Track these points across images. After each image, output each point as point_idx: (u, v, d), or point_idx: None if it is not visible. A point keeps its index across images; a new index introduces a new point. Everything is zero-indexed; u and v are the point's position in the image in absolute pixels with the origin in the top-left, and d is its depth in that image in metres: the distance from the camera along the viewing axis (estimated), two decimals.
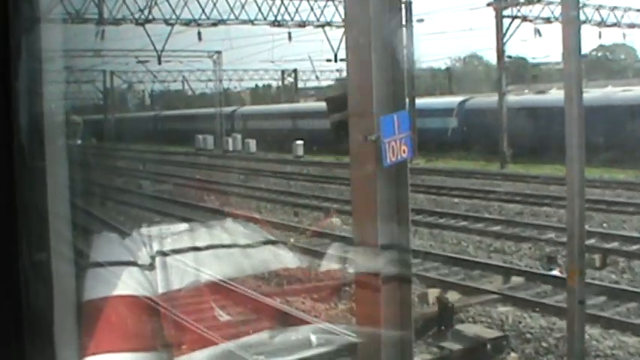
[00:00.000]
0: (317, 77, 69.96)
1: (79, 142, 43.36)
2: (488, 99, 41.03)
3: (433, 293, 11.08)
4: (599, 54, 68.84)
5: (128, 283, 5.27)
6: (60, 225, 1.78)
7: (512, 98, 32.78)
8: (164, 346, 5.96)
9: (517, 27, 28.84)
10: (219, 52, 43.62)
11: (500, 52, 28.76)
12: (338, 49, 33.77)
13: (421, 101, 45.38)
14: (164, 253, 3.59)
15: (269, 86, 78.17)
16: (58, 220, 1.77)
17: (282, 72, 67.84)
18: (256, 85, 74.03)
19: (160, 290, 5.59)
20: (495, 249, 14.35)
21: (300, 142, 38.37)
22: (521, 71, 69.57)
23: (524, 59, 71.14)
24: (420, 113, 41.28)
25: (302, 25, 31.65)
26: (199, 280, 5.42)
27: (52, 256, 1.68)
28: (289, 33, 31.88)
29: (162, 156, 42.61)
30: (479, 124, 37.18)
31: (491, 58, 72.38)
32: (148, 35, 30.68)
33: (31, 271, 1.55)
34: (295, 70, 67.91)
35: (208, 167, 33.89)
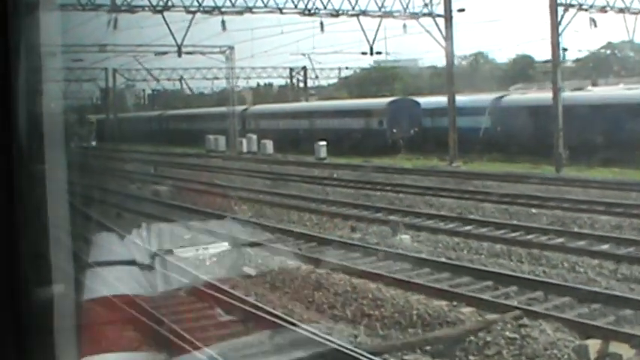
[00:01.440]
0: (317, 76, 67.69)
1: (94, 143, 40.17)
2: (525, 96, 38.30)
3: (593, 346, 8.22)
4: (608, 51, 66.72)
5: (127, 284, 8.89)
6: (59, 225, 1.78)
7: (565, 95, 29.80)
8: (163, 346, 7.38)
9: (573, 17, 25.92)
10: (231, 48, 40.67)
11: (556, 43, 25.85)
12: (374, 40, 30.92)
13: (437, 99, 42.72)
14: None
15: (270, 85, 75.58)
16: (58, 221, 1.77)
17: (291, 70, 65.30)
18: (258, 84, 71.33)
19: (159, 290, 9.15)
20: (624, 276, 11.49)
21: (322, 143, 35.49)
22: (527, 70, 67.89)
23: (530, 58, 69.54)
24: (438, 113, 38.78)
25: (335, 14, 28.71)
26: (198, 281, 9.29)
27: (51, 257, 1.67)
28: (321, 22, 29.00)
29: (172, 158, 39.68)
30: (516, 123, 34.37)
31: (497, 56, 70.26)
32: (167, 25, 27.74)
33: (30, 271, 1.54)
34: (304, 68, 65.27)
35: (227, 171, 30.98)
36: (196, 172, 31.71)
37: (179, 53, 30.59)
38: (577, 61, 66.56)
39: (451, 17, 29.34)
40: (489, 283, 11.43)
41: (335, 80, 69.03)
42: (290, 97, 58.45)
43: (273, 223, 17.81)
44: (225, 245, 14.69)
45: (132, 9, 25.75)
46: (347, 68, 68.45)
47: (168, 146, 49.53)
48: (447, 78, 32.27)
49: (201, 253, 14.24)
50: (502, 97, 37.65)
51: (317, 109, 43.28)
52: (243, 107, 46.92)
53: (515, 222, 16.43)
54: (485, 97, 39.20)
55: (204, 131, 48.68)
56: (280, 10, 27.89)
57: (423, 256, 13.39)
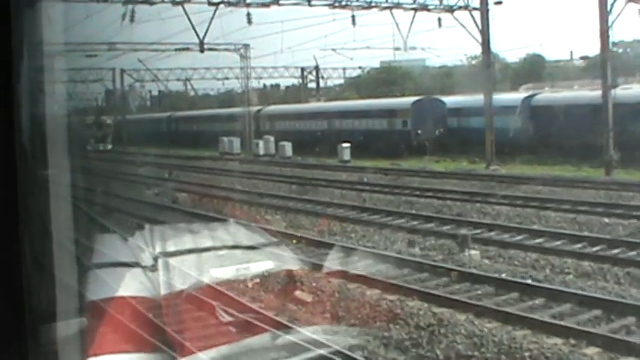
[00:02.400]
0: (322, 77, 65.84)
1: (110, 146, 38.24)
2: (558, 94, 36.45)
3: None
4: (619, 50, 65.02)
5: (130, 285, 8.90)
6: (62, 227, 1.80)
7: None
8: (167, 347, 7.53)
9: (623, 8, 24.05)
10: (246, 46, 38.81)
11: (605, 36, 23.97)
12: (407, 35, 29.03)
13: (477, 98, 40.88)
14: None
15: (277, 86, 73.72)
16: (61, 222, 1.79)
17: (302, 69, 63.44)
18: (264, 85, 69.45)
19: (163, 292, 9.42)
20: None
21: (346, 144, 33.62)
22: (537, 69, 66.28)
23: (540, 57, 67.98)
24: (477, 112, 36.90)
25: (367, 6, 26.81)
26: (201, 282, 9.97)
27: (54, 258, 1.68)
28: (353, 16, 27.11)
29: (185, 161, 37.84)
30: (551, 123, 32.53)
31: (507, 55, 68.65)
32: (188, 17, 25.86)
33: (33, 272, 1.54)
34: (317, 68, 63.42)
35: (247, 175, 29.10)
36: (214, 176, 29.87)
37: (201, 49, 28.72)
38: (586, 59, 64.99)
39: (487, 10, 27.47)
40: (598, 312, 9.58)
41: (340, 81, 67.28)
42: (297, 98, 56.68)
43: (313, 235, 15.97)
44: (269, 264, 12.83)
45: (150, 1, 23.89)
46: (360, 68, 67.15)
47: (178, 149, 47.74)
48: (483, 76, 30.34)
49: (242, 273, 12.39)
50: (533, 95, 35.84)
51: (336, 109, 41.37)
52: (258, 108, 44.98)
53: (589, 234, 14.58)
54: (514, 96, 37.39)
55: (216, 133, 46.86)
56: (309, 2, 26.08)
57: (504, 276, 11.52)
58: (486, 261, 12.90)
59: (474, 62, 72.02)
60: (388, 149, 35.44)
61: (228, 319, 9.20)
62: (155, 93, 68.16)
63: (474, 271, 11.95)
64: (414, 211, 18.48)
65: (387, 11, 27.65)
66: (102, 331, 6.44)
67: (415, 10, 28.21)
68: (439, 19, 29.01)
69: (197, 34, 27.70)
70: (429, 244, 14.46)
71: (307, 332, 8.46)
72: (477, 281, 11.27)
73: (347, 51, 38.63)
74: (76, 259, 2.08)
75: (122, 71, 53.76)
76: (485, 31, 27.84)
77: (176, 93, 67.32)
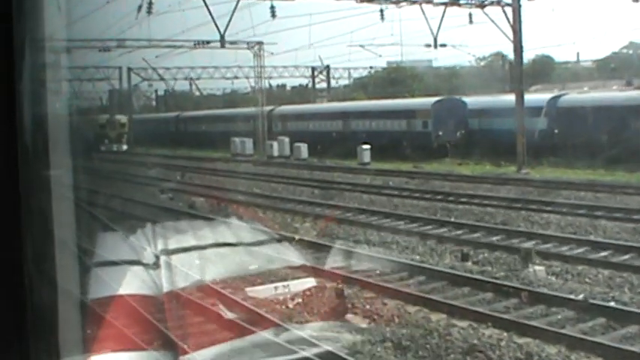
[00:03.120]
0: (333, 77, 64.48)
1: (125, 147, 36.77)
2: (586, 95, 35.06)
3: None
4: (630, 51, 64.12)
5: (132, 283, 8.77)
6: (64, 225, 1.79)
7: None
8: (168, 345, 7.48)
9: None
10: (260, 43, 37.41)
11: None
12: (438, 31, 27.58)
13: (499, 99, 39.50)
14: None
15: (283, 86, 72.34)
16: (62, 220, 1.78)
17: (313, 69, 62.09)
18: (270, 85, 68.08)
19: (164, 290, 9.23)
20: None
21: (366, 146, 32.23)
22: (546, 70, 65.26)
23: (550, 58, 67.03)
24: (499, 112, 35.52)
25: (396, 0, 25.42)
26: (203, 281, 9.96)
27: (56, 257, 1.68)
28: (381, 10, 25.70)
29: (196, 163, 36.45)
30: (579, 125, 31.13)
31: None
32: (209, 10, 24.45)
33: (35, 271, 1.53)
34: (328, 67, 62.05)
35: (263, 178, 27.76)
36: (229, 178, 28.48)
37: (222, 44, 27.32)
38: (597, 61, 64.01)
39: (519, 6, 26.09)
40: None
41: (346, 82, 65.91)
42: (305, 99, 55.21)
43: (350, 246, 14.58)
44: (310, 281, 11.45)
45: None
46: (371, 68, 65.81)
47: (186, 149, 46.42)
48: (515, 74, 28.95)
49: (282, 292, 11.02)
50: (560, 96, 34.40)
51: (353, 109, 39.93)
52: (269, 108, 43.57)
53: None
54: (538, 97, 35.96)
55: (225, 133, 45.57)
56: None
57: (582, 297, 10.12)
58: (554, 278, 11.51)
59: (482, 63, 71.25)
60: (407, 151, 34.06)
61: (230, 316, 9.16)
62: (160, 93, 66.96)
63: (544, 290, 10.56)
64: (452, 219, 17.11)
65: (417, 6, 26.17)
66: (103, 330, 6.38)
67: (446, 5, 26.85)
68: (470, 15, 27.63)
69: (218, 28, 26.30)
70: (482, 258, 13.06)
71: (306, 330, 8.51)
72: (552, 303, 9.88)
73: (375, 47, 37.00)
74: (77, 258, 2.08)
75: (129, 70, 52.48)
76: (517, 28, 26.43)
77: (181, 93, 66.05)
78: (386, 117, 37.14)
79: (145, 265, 10.08)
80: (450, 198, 20.32)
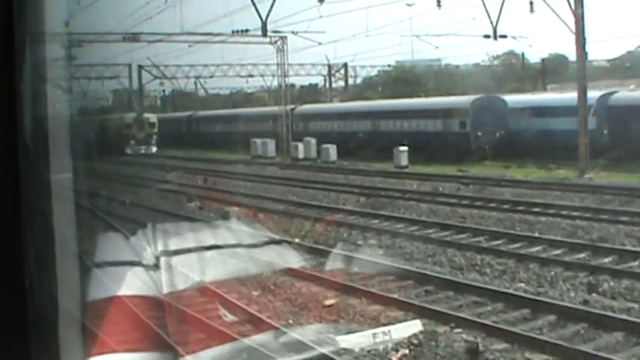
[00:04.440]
0: (351, 75, 61.94)
1: (155, 149, 34.00)
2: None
3: None
4: None
5: (132, 284, 8.43)
6: (64, 226, 1.77)
7: None
8: (169, 346, 7.41)
9: None
10: (283, 38, 34.87)
11: None
12: (497, 22, 24.97)
13: (542, 97, 37.08)
14: None
15: (292, 86, 69.87)
16: (63, 221, 1.76)
17: (329, 67, 59.61)
18: (279, 85, 65.60)
19: (165, 291, 9.15)
20: None
21: (403, 148, 29.72)
22: (560, 69, 63.51)
23: (564, 57, 65.32)
24: (542, 112, 33.08)
25: None
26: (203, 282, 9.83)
27: (56, 257, 1.66)
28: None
29: (215, 165, 33.86)
30: (632, 124, 28.67)
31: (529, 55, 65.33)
32: None
33: (35, 271, 1.53)
34: (345, 65, 59.57)
35: (296, 183, 25.22)
36: (256, 183, 25.92)
37: (264, 32, 24.83)
38: (611, 60, 61.88)
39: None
40: None
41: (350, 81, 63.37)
42: (316, 98, 52.73)
43: (437, 271, 12.10)
44: (416, 324, 8.93)
45: None
46: (389, 66, 63.40)
47: (201, 151, 43.94)
48: (578, 71, 26.45)
49: (382, 340, 8.49)
50: (611, 94, 31.89)
51: (382, 108, 37.39)
52: (291, 107, 41.01)
53: None
54: (590, 95, 33.46)
55: (242, 134, 43.11)
56: None
57: None
58: None
59: (495, 62, 68.90)
60: (443, 153, 31.54)
61: (230, 318, 9.11)
62: (166, 92, 64.49)
63: None
64: (537, 234, 14.61)
65: None
66: (104, 331, 6.14)
67: None
68: (531, 4, 25.09)
69: (259, 15, 23.76)
70: (607, 287, 10.54)
71: (307, 331, 8.41)
72: None
73: (431, 38, 34.45)
74: (78, 258, 2.00)
75: (140, 67, 50.10)
76: (579, 19, 23.91)
77: (186, 93, 63.60)
78: (419, 116, 34.63)
79: (145, 266, 9.84)
80: (520, 207, 17.80)
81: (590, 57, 61.90)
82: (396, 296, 10.50)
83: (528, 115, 33.44)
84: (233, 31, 28.82)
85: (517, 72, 65.06)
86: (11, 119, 1.47)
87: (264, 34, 25.88)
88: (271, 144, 37.48)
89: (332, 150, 33.16)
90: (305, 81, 63.06)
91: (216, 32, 34.17)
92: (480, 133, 32.43)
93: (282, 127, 37.90)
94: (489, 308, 9.89)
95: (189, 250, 11.64)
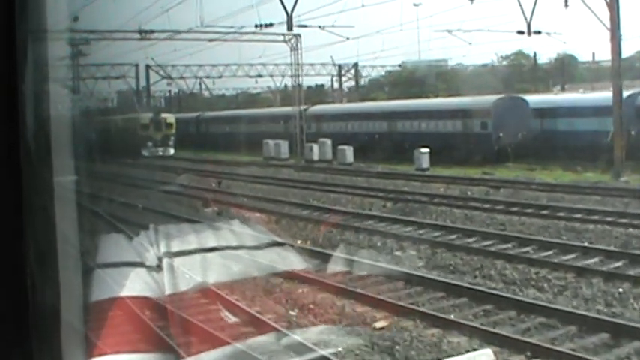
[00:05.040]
0: (361, 75, 60.78)
1: (173, 151, 32.81)
2: None
3: None
4: None
5: (135, 285, 8.49)
6: (66, 226, 1.77)
7: None
8: (171, 347, 7.29)
9: None
10: (297, 36, 33.74)
11: None
12: (531, 16, 23.80)
13: (565, 97, 35.93)
14: None
15: (299, 86, 68.67)
16: (65, 221, 1.76)
17: (340, 67, 58.49)
18: (285, 86, 64.57)
19: (167, 292, 8.85)
20: None
21: (424, 150, 28.56)
22: (569, 69, 62.84)
23: (573, 57, 64.63)
24: (566, 112, 31.94)
25: None
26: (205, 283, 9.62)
27: (59, 258, 1.67)
28: None
29: (227, 168, 32.73)
30: None
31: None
32: None
33: (38, 272, 1.53)
34: (356, 65, 58.43)
35: (319, 187, 24.07)
36: (272, 187, 24.79)
37: (289, 26, 23.70)
38: (622, 60, 60.84)
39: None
40: None
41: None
42: (322, 99, 51.59)
43: (491, 287, 10.97)
44: (487, 354, 7.78)
45: None
46: (399, 66, 62.26)
47: (210, 152, 42.85)
48: (612, 69, 25.30)
49: None
50: (638, 94, 30.72)
51: (399, 109, 36.22)
52: (303, 107, 39.87)
53: None
54: (609, 95, 32.29)
55: (253, 135, 42.06)
56: None
57: None
58: None
59: (504, 62, 67.81)
60: (463, 155, 30.38)
61: (232, 319, 9.03)
62: (171, 93, 63.36)
63: None
64: (587, 244, 13.47)
65: None
66: (106, 331, 6.11)
67: None
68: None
69: (284, 7, 22.60)
70: None
71: (309, 333, 8.36)
72: None
73: (463, 33, 33.21)
74: (80, 259, 1.94)
75: (147, 67, 49.03)
76: (614, 15, 22.77)
77: (192, 93, 62.49)
78: (438, 117, 33.48)
79: (147, 267, 9.67)
80: (561, 214, 16.64)
81: (599, 57, 61.02)
82: (452, 317, 9.38)
83: (551, 115, 32.33)
84: (256, 25, 27.62)
85: (526, 72, 64.16)
86: (13, 119, 1.45)
87: (290, 28, 24.72)
88: (284, 145, 36.35)
89: (349, 152, 32.02)
90: (311, 81, 61.96)
91: (230, 30, 33.03)
92: (501, 134, 31.29)
93: (296, 128, 36.71)
94: (561, 332, 8.76)
95: (222, 268, 10.58)
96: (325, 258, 12.96)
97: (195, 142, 46.86)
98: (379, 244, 14.36)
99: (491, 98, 32.73)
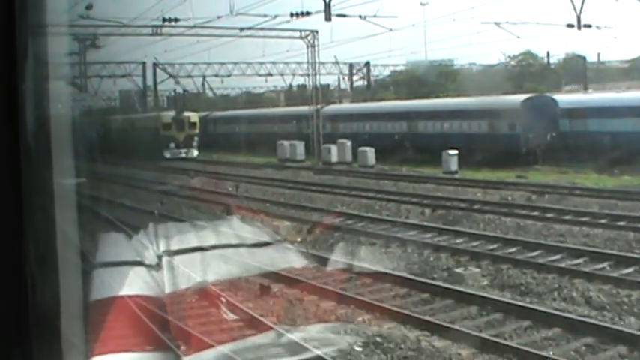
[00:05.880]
0: (373, 75, 59.27)
1: (196, 152, 31.21)
2: None
3: None
4: None
5: (134, 284, 8.03)
6: (67, 225, 1.77)
7: None
8: (170, 346, 7.28)
9: None
10: (314, 32, 32.21)
11: None
12: (581, 10, 22.24)
13: (595, 97, 34.41)
14: None
15: (304, 86, 67.23)
16: (65, 221, 1.76)
17: (351, 65, 56.97)
18: (290, 85, 63.06)
19: (167, 291, 8.79)
20: None
21: (453, 152, 27.03)
22: (578, 70, 61.71)
23: (582, 57, 63.49)
24: (597, 112, 30.45)
25: None
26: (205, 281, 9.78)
27: (58, 257, 1.67)
28: None
29: (241, 170, 31.18)
30: None
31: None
32: None
33: (37, 271, 1.53)
34: (368, 64, 56.92)
35: (346, 192, 22.53)
36: (295, 191, 23.24)
37: (327, 16, 22.15)
38: (630, 61, 59.88)
39: None
40: None
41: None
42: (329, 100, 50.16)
43: (577, 312, 9.46)
44: None
45: None
46: (407, 65, 60.86)
47: (220, 154, 41.34)
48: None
49: None
50: None
51: (419, 108, 34.69)
52: (317, 107, 38.31)
53: None
54: None
55: (265, 135, 40.59)
56: None
57: None
58: None
59: (512, 62, 66.40)
60: (489, 157, 28.83)
61: (232, 317, 9.02)
62: (176, 92, 61.83)
63: None
64: None
65: None
66: (106, 330, 6.01)
67: None
68: None
69: None
70: None
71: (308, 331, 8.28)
72: None
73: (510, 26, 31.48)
74: (80, 258, 1.94)
75: (155, 65, 47.49)
76: None
77: (194, 94, 60.96)
78: (461, 117, 31.93)
79: (147, 266, 9.50)
80: (621, 223, 15.13)
81: (605, 58, 59.90)
82: (552, 354, 7.85)
83: (581, 115, 30.81)
84: (292, 14, 25.96)
85: (536, 72, 62.86)
86: (13, 118, 1.44)
87: (328, 19, 23.17)
88: (300, 146, 34.79)
89: (370, 153, 30.47)
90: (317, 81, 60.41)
91: (245, 26, 31.54)
92: (530, 136, 29.76)
93: (312, 129, 35.18)
94: None
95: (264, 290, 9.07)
96: (379, 277, 11.47)
97: (204, 143, 45.34)
98: (432, 258, 12.82)
99: (519, 97, 31.23)
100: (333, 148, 32.75)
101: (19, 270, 1.48)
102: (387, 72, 61.86)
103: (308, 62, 34.21)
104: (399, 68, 61.46)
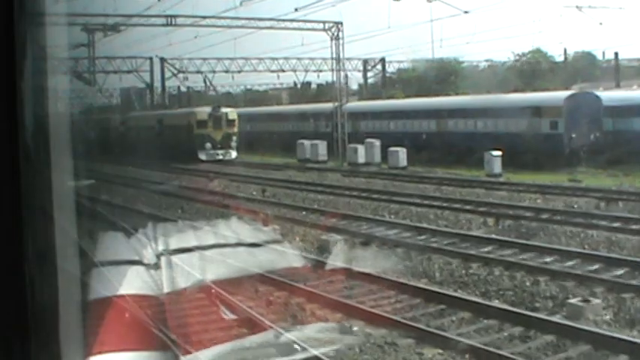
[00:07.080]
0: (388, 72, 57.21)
1: (235, 154, 28.77)
2: None
3: None
4: None
5: (133, 283, 7.62)
6: (65, 224, 1.75)
7: None
8: (169, 345, 7.24)
9: None
10: (339, 24, 30.05)
11: None
12: None
13: (621, 95, 32.21)
14: None
15: (308, 84, 65.02)
16: (64, 219, 1.74)
17: (365, 62, 54.79)
18: (295, 84, 60.90)
19: (165, 290, 8.27)
20: None
21: (496, 153, 24.92)
22: (588, 68, 60.20)
23: (592, 55, 62.07)
24: (623, 112, 28.49)
25: None
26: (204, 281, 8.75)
27: (57, 256, 1.65)
28: None
29: (262, 172, 29.05)
30: None
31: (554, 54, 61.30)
32: None
33: (36, 270, 1.52)
34: (383, 60, 54.78)
35: (386, 197, 20.39)
36: (329, 196, 21.11)
37: None
38: None
39: None
40: None
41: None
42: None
43: None
44: None
45: None
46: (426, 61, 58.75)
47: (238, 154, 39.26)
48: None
49: None
50: None
51: (449, 106, 32.60)
52: (339, 104, 36.16)
53: None
54: None
55: (280, 135, 38.55)
56: None
57: None
58: None
59: (523, 59, 64.45)
60: (529, 159, 26.77)
61: (231, 317, 8.90)
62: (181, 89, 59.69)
63: None
64: None
65: None
66: (104, 330, 5.83)
67: None
68: None
69: None
70: None
71: (307, 331, 8.19)
72: None
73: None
74: (78, 257, 1.94)
75: (162, 60, 45.29)
76: None
77: (196, 92, 58.81)
78: (496, 115, 29.83)
79: (146, 265, 9.15)
80: None
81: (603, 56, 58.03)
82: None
83: (627, 114, 28.72)
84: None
85: (545, 70, 61.02)
86: (12, 117, 1.42)
87: None
88: (322, 146, 32.65)
89: (402, 154, 28.34)
90: (319, 79, 58.28)
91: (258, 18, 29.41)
92: (574, 135, 27.66)
93: (328, 127, 33.02)
94: None
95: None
96: (466, 306, 9.37)
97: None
98: (527, 283, 10.69)
99: (562, 94, 29.11)
100: (360, 148, 30.61)
101: (18, 269, 1.45)
102: (391, 69, 59.78)
103: (332, 57, 31.96)
104: (401, 65, 59.40)
